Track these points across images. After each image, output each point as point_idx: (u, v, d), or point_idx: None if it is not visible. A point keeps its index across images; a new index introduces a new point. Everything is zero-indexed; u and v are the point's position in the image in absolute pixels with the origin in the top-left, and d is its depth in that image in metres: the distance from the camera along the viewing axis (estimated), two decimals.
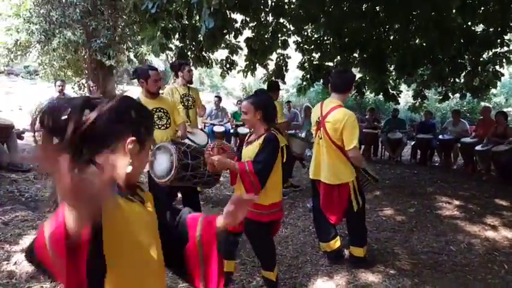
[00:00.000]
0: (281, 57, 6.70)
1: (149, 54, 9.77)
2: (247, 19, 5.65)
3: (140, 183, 1.11)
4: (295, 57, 7.23)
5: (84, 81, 10.45)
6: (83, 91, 10.33)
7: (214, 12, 3.58)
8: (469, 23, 6.33)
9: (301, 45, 6.85)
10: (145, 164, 1.07)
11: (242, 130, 7.31)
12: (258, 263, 2.76)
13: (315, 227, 3.23)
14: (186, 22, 4.82)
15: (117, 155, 0.93)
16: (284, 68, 6.72)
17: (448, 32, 6.01)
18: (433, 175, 6.42)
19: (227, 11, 4.06)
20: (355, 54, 6.94)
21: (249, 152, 2.26)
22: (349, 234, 3.11)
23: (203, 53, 5.37)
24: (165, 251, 1.07)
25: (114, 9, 8.98)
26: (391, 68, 7.28)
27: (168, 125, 3.39)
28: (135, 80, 3.49)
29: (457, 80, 7.04)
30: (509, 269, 3.02)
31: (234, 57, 6.31)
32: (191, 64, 5.39)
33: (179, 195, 3.72)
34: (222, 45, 5.51)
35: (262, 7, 5.42)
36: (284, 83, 7.37)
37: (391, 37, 6.90)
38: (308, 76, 6.96)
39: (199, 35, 4.62)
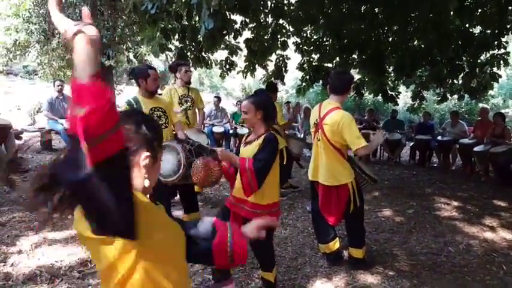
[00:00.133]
0: (280, 58, 6.71)
1: (149, 55, 9.78)
2: (247, 20, 5.66)
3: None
4: (294, 58, 7.24)
5: None
6: None
7: (213, 13, 3.59)
8: (467, 25, 6.37)
9: (301, 46, 6.86)
10: (157, 175, 1.09)
11: (241, 131, 7.31)
12: (256, 264, 2.76)
13: (314, 229, 3.23)
14: (186, 23, 4.82)
15: (133, 170, 0.95)
16: (283, 68, 6.74)
17: (446, 34, 6.04)
18: (431, 176, 6.44)
19: (227, 12, 4.06)
20: (354, 56, 6.96)
21: (248, 151, 2.26)
22: (348, 235, 3.11)
23: (203, 53, 5.37)
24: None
25: (114, 10, 8.98)
26: (390, 69, 7.30)
27: (166, 124, 3.41)
28: (135, 81, 3.49)
29: (455, 81, 7.07)
30: (507, 270, 3.02)
31: (234, 58, 6.31)
32: (190, 65, 5.39)
33: (177, 196, 3.72)
34: (222, 46, 5.51)
35: (261, 8, 5.43)
36: (283, 83, 7.38)
37: (390, 39, 6.92)
38: (307, 77, 6.97)
39: (199, 36, 4.62)
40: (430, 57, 6.64)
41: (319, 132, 2.87)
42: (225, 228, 1.19)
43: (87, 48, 0.73)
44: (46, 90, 11.16)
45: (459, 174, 6.77)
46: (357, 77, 7.42)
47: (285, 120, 4.85)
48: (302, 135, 7.44)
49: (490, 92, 10.40)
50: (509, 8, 5.66)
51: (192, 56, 5.38)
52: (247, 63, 6.32)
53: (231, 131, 7.88)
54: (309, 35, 6.93)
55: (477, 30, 6.67)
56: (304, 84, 7.02)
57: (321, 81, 7.03)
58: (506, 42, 6.31)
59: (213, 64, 6.02)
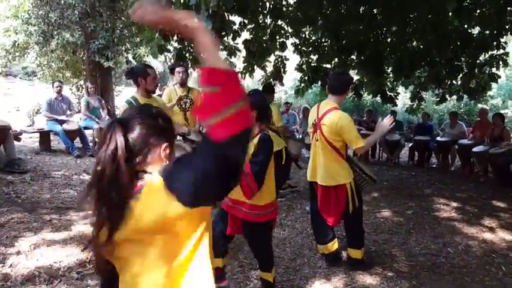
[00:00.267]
0: (279, 59, 6.71)
1: (147, 56, 9.76)
2: (246, 21, 5.66)
3: None
4: (293, 59, 7.24)
5: (82, 82, 10.43)
6: (81, 92, 10.32)
7: (212, 14, 3.60)
8: (466, 26, 6.37)
9: (299, 47, 6.86)
10: None
11: None
12: (255, 265, 2.76)
13: (313, 229, 3.23)
14: None
15: (155, 162, 1.03)
16: (282, 69, 6.74)
17: (445, 35, 6.05)
18: (430, 177, 6.44)
19: (225, 13, 4.07)
20: (353, 56, 6.97)
21: None
22: (346, 236, 3.11)
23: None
24: None
25: (113, 11, 8.97)
26: (389, 70, 7.31)
27: None
28: (132, 81, 3.48)
29: (454, 82, 7.07)
30: (506, 271, 3.02)
31: (232, 59, 6.31)
32: (189, 65, 5.39)
33: None
34: (221, 47, 5.52)
35: (260, 9, 5.44)
36: (282, 84, 7.38)
37: (389, 39, 6.93)
38: (306, 78, 6.97)
39: None
40: (428, 58, 6.64)
41: (318, 133, 2.87)
42: None
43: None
44: (45, 91, 11.16)
45: (458, 175, 6.77)
46: (355, 77, 7.42)
47: (282, 123, 4.83)
48: (300, 136, 7.44)
49: (489, 93, 10.41)
50: (508, 8, 5.68)
51: (190, 57, 5.38)
52: (246, 64, 6.31)
53: None
54: (307, 36, 6.94)
55: (476, 30, 6.68)
56: (302, 85, 7.02)
57: (319, 82, 7.03)
58: (505, 42, 6.32)
59: None
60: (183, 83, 4.28)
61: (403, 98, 11.54)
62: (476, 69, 6.60)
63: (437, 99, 7.57)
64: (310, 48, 6.88)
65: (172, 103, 4.16)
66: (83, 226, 3.40)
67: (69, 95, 8.98)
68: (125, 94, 11.78)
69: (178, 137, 3.58)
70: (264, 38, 6.07)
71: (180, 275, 0.99)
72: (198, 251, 1.01)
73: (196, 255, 1.00)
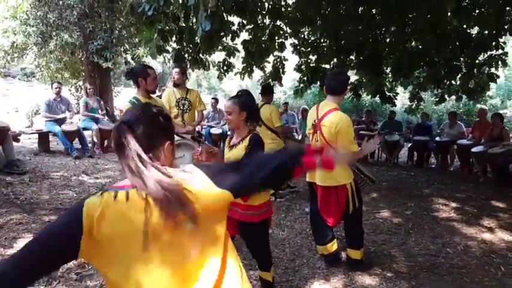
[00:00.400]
0: (278, 60, 6.71)
1: (146, 56, 9.76)
2: (244, 22, 5.66)
3: None
4: (292, 60, 7.24)
5: (81, 83, 10.42)
6: (80, 93, 10.31)
7: (211, 15, 3.59)
8: (465, 26, 6.38)
9: (298, 47, 6.87)
10: None
11: None
12: (254, 266, 2.75)
13: (312, 230, 3.22)
14: (183, 24, 4.81)
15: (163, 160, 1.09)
16: (281, 70, 6.74)
17: (444, 35, 6.05)
18: (429, 177, 6.44)
19: (224, 14, 4.07)
20: (352, 57, 6.96)
21: (235, 155, 2.24)
22: (346, 236, 3.11)
23: (200, 55, 5.37)
24: None
25: (111, 12, 8.97)
26: (388, 71, 7.31)
27: None
28: (132, 82, 3.47)
29: (453, 82, 7.08)
30: (506, 271, 3.02)
31: (231, 60, 6.31)
32: (188, 66, 5.39)
33: None
34: (219, 47, 5.52)
35: (259, 10, 5.44)
36: (281, 85, 7.38)
37: (388, 40, 6.93)
38: (305, 78, 6.97)
39: (196, 38, 4.62)
40: (427, 58, 6.64)
41: (318, 134, 2.86)
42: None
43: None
44: (44, 92, 11.15)
45: (457, 175, 6.77)
46: (354, 78, 7.42)
47: (281, 122, 4.82)
48: (300, 137, 7.44)
49: (488, 93, 10.42)
50: (507, 8, 5.68)
51: (189, 58, 5.38)
52: (244, 64, 6.31)
53: (229, 133, 7.86)
54: (306, 37, 6.95)
55: (475, 31, 6.69)
56: (301, 85, 7.03)
57: (318, 82, 7.03)
58: (504, 43, 6.32)
59: (211, 66, 6.02)
60: (177, 84, 4.27)
61: (402, 98, 11.56)
62: (475, 70, 6.61)
63: (436, 100, 7.58)
64: (309, 49, 6.88)
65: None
66: None
67: (68, 96, 8.96)
68: (123, 95, 11.78)
69: (177, 137, 3.57)
70: (263, 39, 6.07)
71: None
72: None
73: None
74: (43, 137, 6.73)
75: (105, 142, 7.18)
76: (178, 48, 5.34)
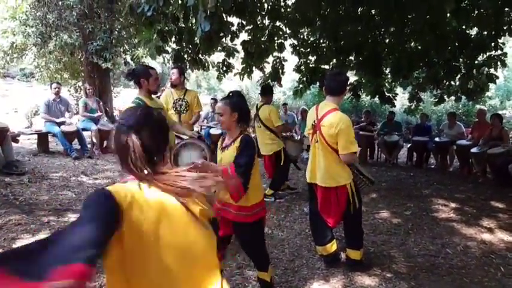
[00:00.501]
0: (277, 60, 6.72)
1: (146, 57, 9.75)
2: (244, 22, 5.66)
3: None
4: (291, 60, 7.24)
5: (80, 83, 10.41)
6: (79, 94, 10.30)
7: (210, 15, 3.58)
8: (464, 27, 6.38)
9: (298, 48, 6.87)
10: None
11: None
12: (253, 267, 2.74)
13: (311, 230, 3.22)
14: (183, 25, 4.81)
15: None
16: (280, 70, 6.74)
17: (443, 36, 6.05)
18: (429, 177, 6.44)
19: (223, 14, 4.06)
20: (351, 57, 6.96)
21: (227, 156, 2.24)
22: (345, 237, 3.10)
23: (200, 55, 5.37)
24: None
25: (111, 12, 8.96)
26: (387, 71, 7.31)
27: None
28: (132, 83, 3.48)
29: (452, 82, 7.08)
30: (505, 272, 3.02)
31: (231, 60, 6.31)
32: (187, 67, 5.39)
33: None
34: (219, 48, 5.52)
35: (258, 10, 5.43)
36: (280, 85, 7.38)
37: (387, 40, 6.93)
38: (304, 79, 6.97)
39: (196, 38, 4.61)
40: (426, 58, 6.65)
41: (317, 134, 2.86)
42: None
43: None
44: (43, 92, 11.13)
45: (456, 175, 6.78)
46: (354, 78, 7.42)
47: (281, 122, 4.83)
48: (299, 137, 7.44)
49: (487, 94, 10.43)
50: (506, 9, 5.69)
51: (189, 58, 5.37)
52: (244, 65, 6.31)
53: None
54: (305, 37, 6.95)
55: (474, 31, 6.70)
56: (301, 86, 7.02)
57: (318, 83, 7.03)
58: (503, 43, 6.32)
59: (210, 66, 6.02)
60: (174, 84, 4.27)
61: (402, 98, 11.56)
62: (474, 70, 6.61)
63: (436, 100, 7.58)
64: (309, 49, 6.88)
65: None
66: None
67: (67, 96, 8.96)
68: (123, 95, 11.78)
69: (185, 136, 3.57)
70: (262, 39, 6.07)
71: None
72: None
73: None
74: (42, 137, 6.72)
75: (105, 143, 7.17)
76: (178, 49, 5.34)
